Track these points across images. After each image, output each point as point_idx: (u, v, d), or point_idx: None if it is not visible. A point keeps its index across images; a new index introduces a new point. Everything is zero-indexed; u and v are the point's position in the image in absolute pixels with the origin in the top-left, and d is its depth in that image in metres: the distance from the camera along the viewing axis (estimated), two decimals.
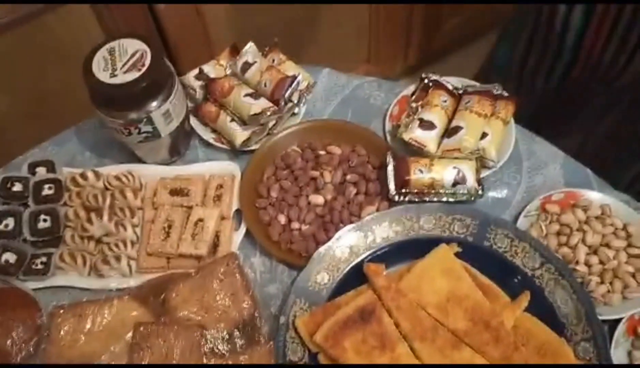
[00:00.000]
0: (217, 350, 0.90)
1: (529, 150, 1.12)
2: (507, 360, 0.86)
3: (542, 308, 0.92)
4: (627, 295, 0.94)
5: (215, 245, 1.03)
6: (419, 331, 0.89)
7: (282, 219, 1.05)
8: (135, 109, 0.98)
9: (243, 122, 1.11)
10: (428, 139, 1.06)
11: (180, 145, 1.12)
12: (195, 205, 1.05)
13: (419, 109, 1.11)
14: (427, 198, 1.04)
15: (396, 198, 1.05)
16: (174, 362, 0.87)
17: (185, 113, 1.09)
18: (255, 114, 1.08)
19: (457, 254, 0.97)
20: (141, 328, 0.90)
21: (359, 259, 0.99)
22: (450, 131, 1.07)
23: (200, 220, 1.03)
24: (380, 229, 1.00)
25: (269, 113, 1.09)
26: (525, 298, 0.92)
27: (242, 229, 1.05)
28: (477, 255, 0.97)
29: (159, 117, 1.01)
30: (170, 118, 1.03)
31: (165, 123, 1.03)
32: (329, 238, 0.99)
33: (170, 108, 1.02)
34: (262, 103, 1.09)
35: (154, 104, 0.99)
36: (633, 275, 0.96)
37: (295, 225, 1.05)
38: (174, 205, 1.05)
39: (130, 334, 0.90)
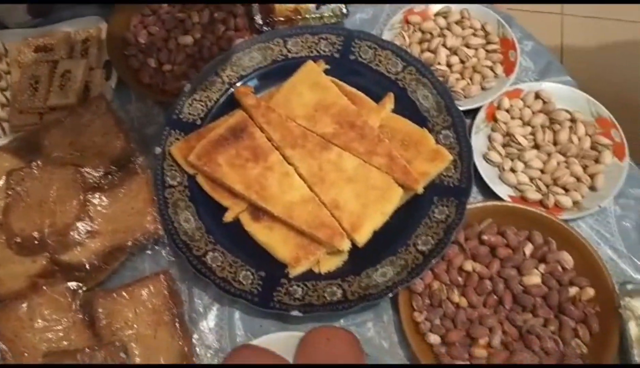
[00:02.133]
0: (95, 185, 0.91)
1: None
2: (372, 152, 0.91)
3: (405, 107, 0.97)
4: (485, 85, 1.00)
5: (86, 96, 1.02)
6: (289, 140, 0.92)
7: (152, 63, 1.04)
8: None
9: None
10: None
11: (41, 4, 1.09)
12: (61, 58, 1.04)
13: None
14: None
15: (264, 28, 1.05)
16: (52, 201, 0.88)
17: None
18: None
19: (325, 71, 1.00)
20: (14, 174, 0.90)
21: (231, 88, 1.00)
22: None
23: (68, 71, 1.02)
24: (248, 57, 1.01)
25: None
26: (389, 100, 0.97)
27: (114, 78, 1.05)
28: (344, 69, 1.00)
29: None
30: None
31: None
32: None
33: None
34: None
35: None
36: (491, 68, 1.01)
37: (166, 67, 1.05)
38: (39, 61, 1.03)
39: (3, 181, 0.90)
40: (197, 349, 0.84)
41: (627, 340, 0.79)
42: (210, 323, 0.88)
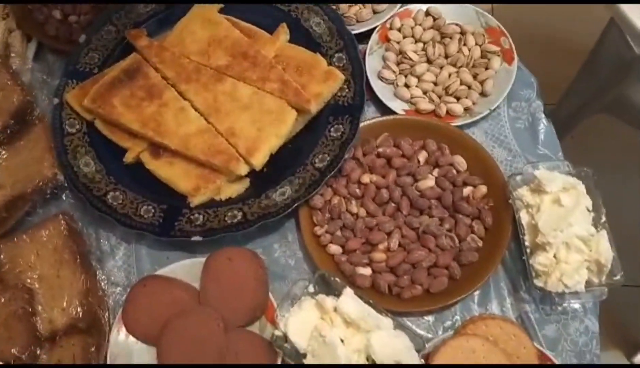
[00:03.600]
0: None
1: None
2: (265, 79, 0.92)
3: (300, 36, 0.98)
4: (377, 8, 1.02)
5: (7, 57, 1.02)
6: (183, 76, 0.93)
7: (58, 14, 1.05)
8: None
9: None
10: None
11: None
12: None
13: None
14: None
15: None
16: None
17: None
18: None
19: (220, 11, 1.00)
20: None
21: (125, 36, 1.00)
22: None
23: None
24: (142, 4, 1.02)
25: None
26: (282, 31, 0.98)
27: (35, 40, 1.05)
28: (238, 8, 1.01)
29: None
30: None
31: None
32: None
33: None
34: None
35: None
36: None
37: (72, 18, 1.05)
38: None
39: None
40: (104, 286, 0.85)
41: (520, 228, 0.81)
42: (118, 261, 0.89)
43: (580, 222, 0.78)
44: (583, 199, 0.80)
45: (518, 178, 0.84)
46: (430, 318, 0.82)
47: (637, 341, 1.50)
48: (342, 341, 0.74)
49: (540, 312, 0.80)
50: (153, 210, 0.87)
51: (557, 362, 0.74)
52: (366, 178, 0.88)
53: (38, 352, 0.78)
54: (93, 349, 0.78)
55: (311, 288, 0.79)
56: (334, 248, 0.84)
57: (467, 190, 0.86)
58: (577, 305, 0.80)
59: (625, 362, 1.52)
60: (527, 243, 0.80)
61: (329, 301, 0.75)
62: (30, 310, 0.80)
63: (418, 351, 0.74)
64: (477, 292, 0.82)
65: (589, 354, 0.78)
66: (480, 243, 0.83)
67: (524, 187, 0.82)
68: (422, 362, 0.74)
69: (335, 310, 0.75)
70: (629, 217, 1.48)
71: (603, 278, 0.77)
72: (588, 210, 0.80)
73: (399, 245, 0.83)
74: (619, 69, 1.22)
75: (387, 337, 0.74)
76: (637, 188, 1.60)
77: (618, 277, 0.77)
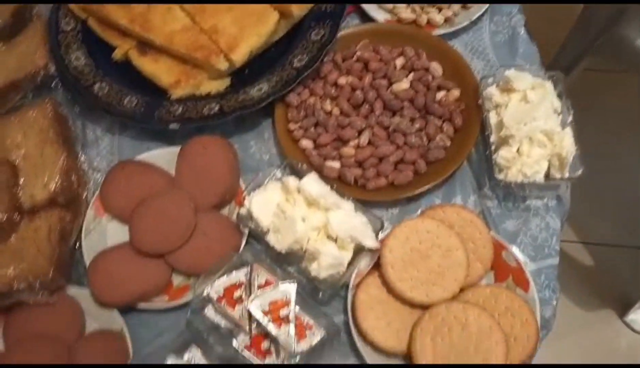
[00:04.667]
0: None
1: None
2: None
3: None
4: None
5: None
6: None
7: None
8: None
9: None
10: None
11: None
12: None
13: None
14: None
15: None
16: None
17: None
18: None
19: None
20: None
21: None
22: None
23: None
24: None
25: None
26: None
27: None
28: None
29: None
30: None
31: None
32: None
33: None
34: None
35: None
36: None
37: None
38: None
39: None
40: (86, 169, 0.89)
41: (488, 128, 0.82)
42: (102, 151, 0.93)
43: (545, 118, 0.79)
44: (550, 97, 0.80)
45: (489, 79, 0.85)
46: (394, 210, 0.84)
47: (629, 300, 1.49)
48: (303, 221, 0.76)
49: (502, 209, 0.81)
50: (135, 101, 0.91)
51: (513, 250, 0.75)
52: (342, 80, 0.90)
53: (18, 219, 0.82)
54: (68, 219, 0.82)
55: (278, 174, 0.82)
56: (306, 143, 0.87)
57: (440, 94, 0.87)
58: (539, 203, 0.81)
59: (617, 320, 1.52)
60: (492, 140, 0.81)
61: (292, 181, 0.78)
62: (13, 183, 0.84)
63: (377, 233, 0.77)
64: (442, 189, 0.84)
65: (547, 248, 0.79)
66: (448, 143, 0.85)
67: (494, 86, 0.83)
68: (379, 243, 0.76)
69: (299, 191, 0.78)
70: (627, 180, 1.49)
71: (565, 173, 0.78)
72: (556, 112, 0.81)
73: (369, 142, 0.85)
74: (614, 12, 1.22)
75: (345, 215, 0.76)
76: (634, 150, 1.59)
77: (579, 172, 0.77)
